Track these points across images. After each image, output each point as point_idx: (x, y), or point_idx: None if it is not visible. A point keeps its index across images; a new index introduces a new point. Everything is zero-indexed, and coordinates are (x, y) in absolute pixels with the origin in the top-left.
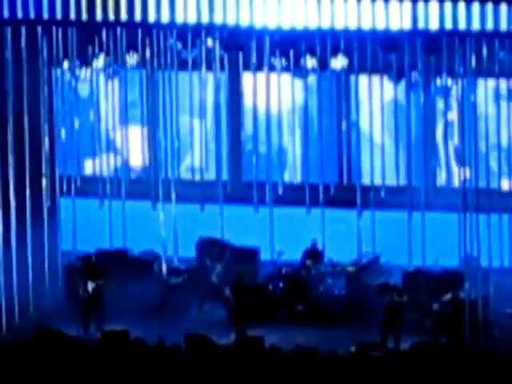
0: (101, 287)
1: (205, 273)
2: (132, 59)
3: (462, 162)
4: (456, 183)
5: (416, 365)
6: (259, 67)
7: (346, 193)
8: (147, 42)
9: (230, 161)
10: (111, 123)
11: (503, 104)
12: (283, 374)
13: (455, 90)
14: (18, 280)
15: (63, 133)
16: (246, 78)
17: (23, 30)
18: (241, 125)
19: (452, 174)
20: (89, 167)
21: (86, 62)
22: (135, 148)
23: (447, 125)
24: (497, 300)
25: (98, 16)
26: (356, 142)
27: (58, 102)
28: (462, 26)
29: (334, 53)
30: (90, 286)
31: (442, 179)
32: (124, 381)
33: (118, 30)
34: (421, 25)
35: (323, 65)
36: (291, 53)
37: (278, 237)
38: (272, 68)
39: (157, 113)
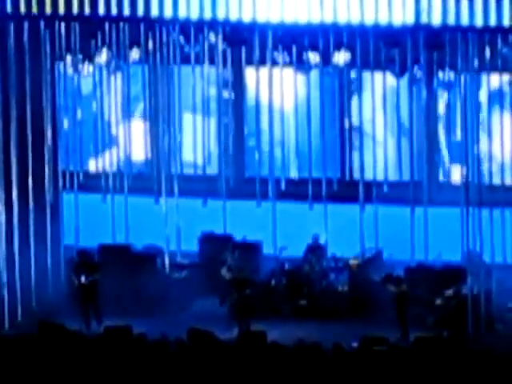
0: (95, 282)
1: (215, 267)
2: (135, 54)
3: (464, 156)
4: (458, 178)
5: (418, 360)
6: (262, 62)
7: (348, 188)
8: (150, 36)
9: (232, 155)
10: (114, 118)
11: (506, 99)
12: (286, 368)
13: (458, 85)
14: (21, 275)
15: (66, 128)
16: (249, 72)
17: (26, 24)
18: (243, 119)
19: (454, 169)
20: (91, 162)
21: (88, 56)
22: (138, 143)
23: (450, 120)
24: (499, 295)
25: (101, 10)
26: (359, 136)
27: (61, 96)
28: (464, 21)
29: (337, 48)
30: (85, 280)
31: (444, 174)
32: (127, 376)
33: (121, 24)
34: (424, 20)
35: (326, 60)
36: (294, 48)
37: (281, 232)
38: (275, 63)
39: (159, 107)
